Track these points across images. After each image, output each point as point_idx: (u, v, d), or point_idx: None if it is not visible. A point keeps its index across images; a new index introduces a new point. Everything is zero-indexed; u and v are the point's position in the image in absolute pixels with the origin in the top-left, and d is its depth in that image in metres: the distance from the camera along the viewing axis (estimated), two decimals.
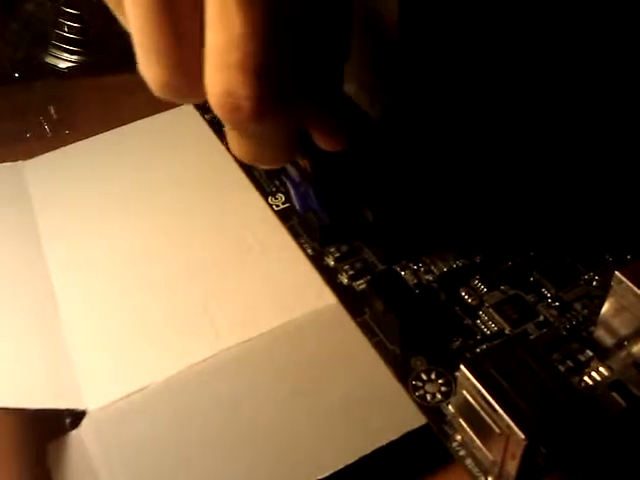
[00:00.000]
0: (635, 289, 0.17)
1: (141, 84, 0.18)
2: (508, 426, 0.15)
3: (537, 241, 0.22)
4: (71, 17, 0.41)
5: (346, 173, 0.21)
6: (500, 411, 0.15)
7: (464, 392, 0.16)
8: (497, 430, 0.15)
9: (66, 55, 0.41)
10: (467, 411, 0.16)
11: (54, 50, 0.41)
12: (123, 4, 0.16)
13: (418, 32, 0.18)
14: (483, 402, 0.15)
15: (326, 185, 0.22)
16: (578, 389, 0.18)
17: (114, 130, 0.32)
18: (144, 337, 0.22)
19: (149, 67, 0.16)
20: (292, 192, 0.23)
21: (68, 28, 0.42)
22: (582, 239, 0.22)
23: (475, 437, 0.17)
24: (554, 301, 0.20)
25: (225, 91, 0.15)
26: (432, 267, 0.22)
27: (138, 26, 0.15)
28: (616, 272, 0.17)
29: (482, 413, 0.16)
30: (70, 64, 0.41)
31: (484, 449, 0.16)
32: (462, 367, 0.16)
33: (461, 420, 0.17)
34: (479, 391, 0.15)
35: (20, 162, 0.30)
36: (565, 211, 0.23)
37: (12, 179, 0.28)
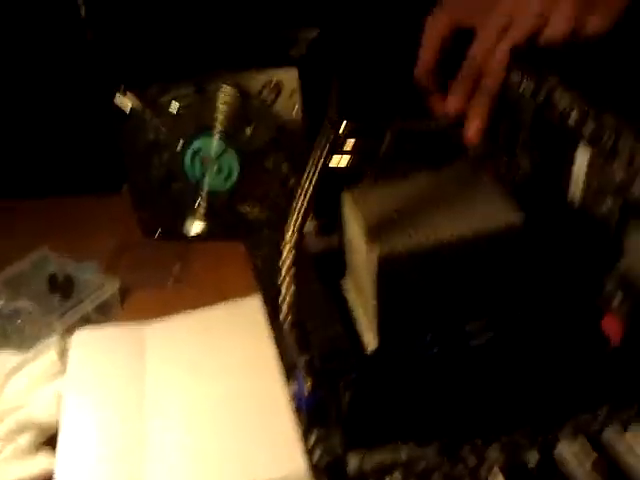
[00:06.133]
0: None
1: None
2: None
3: None
4: (204, 194, 0.58)
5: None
6: None
7: None
8: None
9: (196, 223, 0.58)
10: None
11: (188, 219, 0.58)
12: None
13: None
14: None
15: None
16: None
17: (221, 305, 0.48)
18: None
19: None
20: (295, 399, 0.36)
21: (202, 203, 0.58)
22: None
23: None
24: None
25: None
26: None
27: None
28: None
29: None
30: (198, 230, 0.58)
31: None
32: None
33: None
34: None
35: (140, 325, 0.45)
36: None
37: (133, 339, 0.44)
